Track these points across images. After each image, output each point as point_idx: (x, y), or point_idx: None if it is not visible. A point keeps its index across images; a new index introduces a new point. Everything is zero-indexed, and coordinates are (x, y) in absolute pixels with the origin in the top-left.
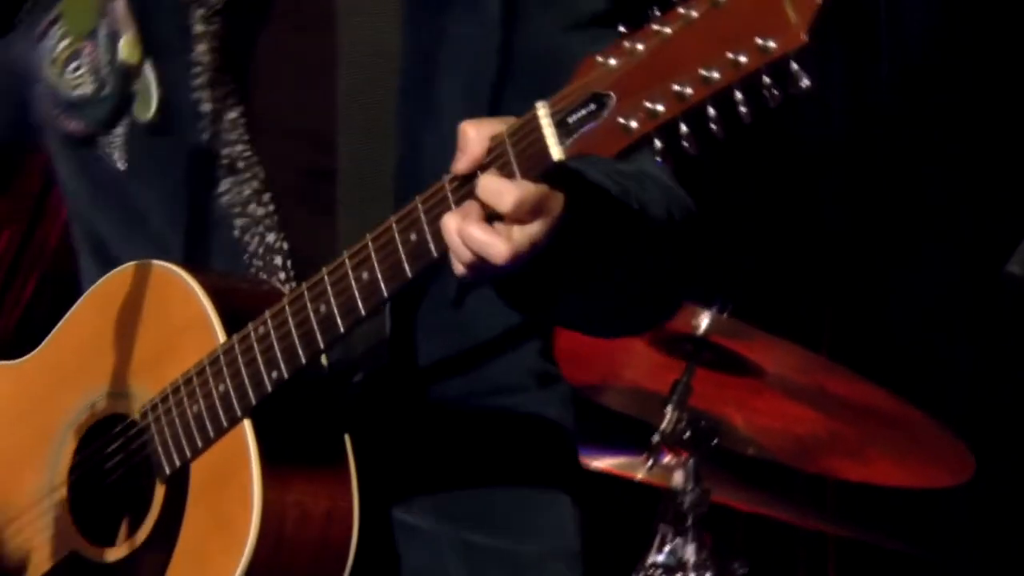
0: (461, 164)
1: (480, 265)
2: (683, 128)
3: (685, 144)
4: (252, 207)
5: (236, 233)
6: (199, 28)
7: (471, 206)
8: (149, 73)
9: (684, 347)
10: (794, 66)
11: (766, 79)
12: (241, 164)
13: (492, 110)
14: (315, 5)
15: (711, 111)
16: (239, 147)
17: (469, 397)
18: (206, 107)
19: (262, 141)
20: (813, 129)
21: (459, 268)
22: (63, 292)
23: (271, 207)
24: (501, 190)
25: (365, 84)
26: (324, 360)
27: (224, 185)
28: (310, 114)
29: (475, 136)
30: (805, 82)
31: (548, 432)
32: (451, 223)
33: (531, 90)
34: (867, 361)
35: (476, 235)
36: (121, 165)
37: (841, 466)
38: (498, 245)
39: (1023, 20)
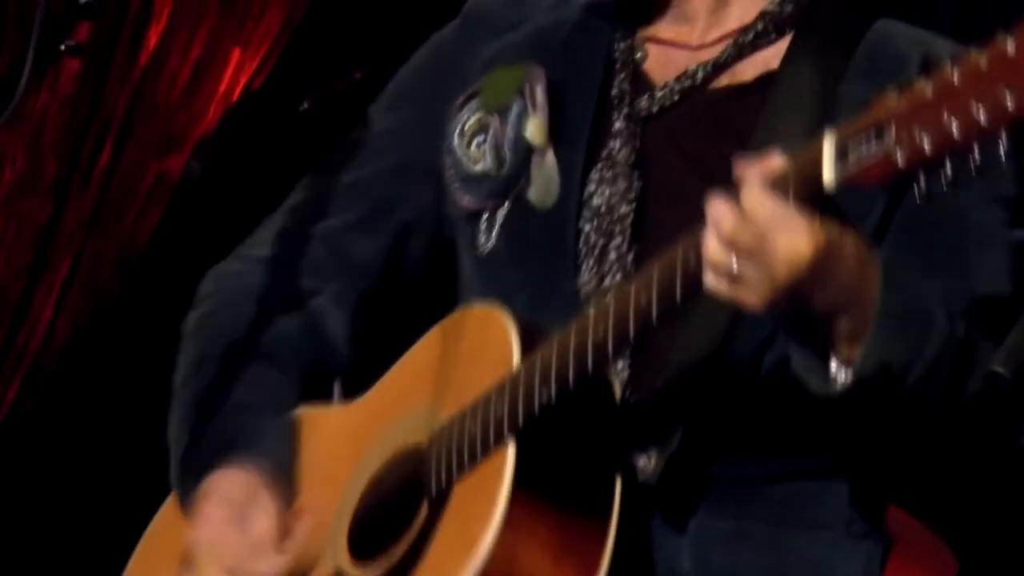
0: (746, 165)
1: (716, 251)
2: (947, 167)
3: (944, 184)
4: (607, 299)
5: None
6: (619, 126)
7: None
8: (551, 158)
9: None
10: None
11: None
12: (613, 255)
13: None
14: (732, 127)
15: (975, 153)
16: (618, 239)
17: (768, 512)
18: (601, 202)
19: (641, 240)
20: None
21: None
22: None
23: None
24: (749, 187)
25: None
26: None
27: (589, 277)
28: (696, 223)
29: (774, 155)
30: None
31: None
32: (713, 200)
33: (915, 245)
34: None
35: (718, 207)
36: (493, 245)
37: None
38: (727, 216)
39: None
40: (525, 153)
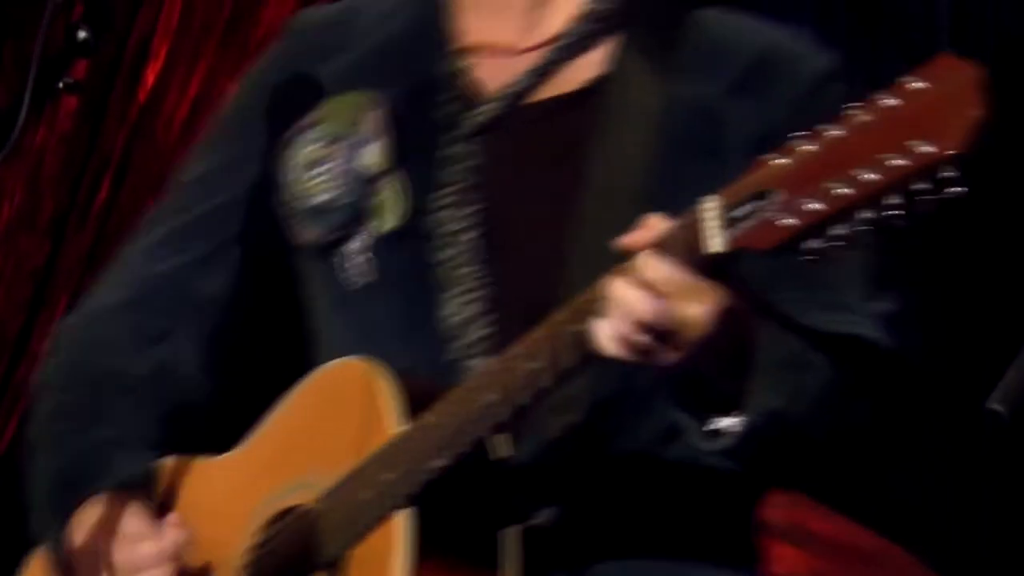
0: (628, 238)
1: (627, 330)
2: (837, 229)
3: (838, 243)
4: (472, 328)
5: (453, 356)
6: (454, 149)
7: (631, 275)
8: (395, 184)
9: None
10: (949, 172)
11: (921, 183)
12: (470, 284)
13: None
14: (567, 139)
15: (866, 213)
16: (472, 267)
17: (650, 539)
18: (449, 227)
19: (493, 263)
20: None
21: (606, 331)
22: None
23: (491, 330)
24: (648, 260)
25: (603, 219)
26: (497, 456)
27: (450, 307)
28: (544, 241)
29: (653, 221)
30: (958, 188)
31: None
32: (613, 284)
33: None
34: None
35: (620, 287)
36: (354, 280)
37: None
38: (641, 299)
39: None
40: (368, 182)
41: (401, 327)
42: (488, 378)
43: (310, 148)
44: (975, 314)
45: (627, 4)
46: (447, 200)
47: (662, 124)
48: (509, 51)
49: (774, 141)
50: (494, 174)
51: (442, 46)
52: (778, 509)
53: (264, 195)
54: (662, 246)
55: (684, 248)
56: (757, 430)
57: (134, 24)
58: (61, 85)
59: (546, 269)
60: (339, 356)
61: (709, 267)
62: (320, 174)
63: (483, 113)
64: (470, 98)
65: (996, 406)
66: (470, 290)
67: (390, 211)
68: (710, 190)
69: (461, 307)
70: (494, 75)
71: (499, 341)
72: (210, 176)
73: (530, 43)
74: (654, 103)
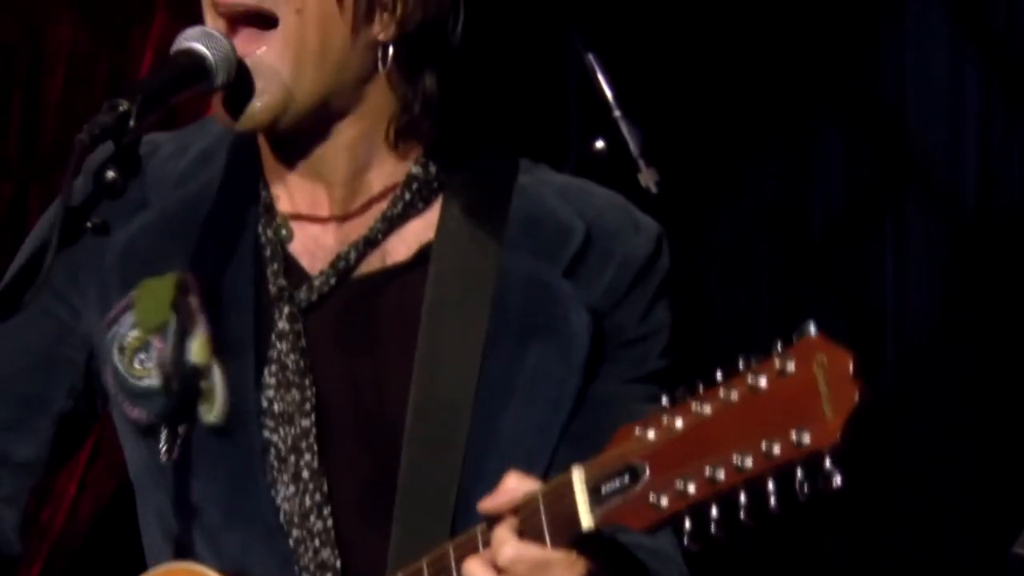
0: (488, 503)
1: None
2: (713, 511)
3: (713, 528)
4: (312, 520)
5: (291, 543)
6: (283, 326)
7: (489, 551)
8: (216, 374)
9: None
10: (827, 463)
11: (798, 473)
12: (307, 474)
13: (555, 449)
14: (398, 315)
15: (742, 497)
16: (307, 456)
17: None
18: (277, 408)
19: (329, 449)
20: None
21: None
22: (70, 573)
23: (329, 521)
24: (502, 542)
25: (437, 401)
26: None
27: (287, 492)
28: (379, 426)
29: (514, 484)
30: (837, 480)
31: None
32: (467, 563)
33: (583, 434)
34: None
35: (475, 569)
36: (176, 458)
37: None
38: None
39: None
40: (193, 372)
41: (234, 508)
42: None
43: (131, 334)
44: (998, 459)
45: (448, 170)
46: (275, 380)
47: (498, 299)
48: (328, 218)
49: (609, 325)
50: (324, 353)
51: (260, 211)
52: None
53: (74, 352)
54: (525, 516)
55: (550, 520)
56: None
57: None
58: (89, 225)
59: (381, 460)
60: (173, 524)
61: (574, 540)
62: (144, 361)
63: (314, 290)
64: (294, 271)
65: (1021, 551)
66: (306, 480)
67: (216, 399)
68: (551, 370)
69: (297, 496)
70: (312, 245)
71: (339, 531)
72: (8, 335)
73: (349, 210)
74: (487, 276)
